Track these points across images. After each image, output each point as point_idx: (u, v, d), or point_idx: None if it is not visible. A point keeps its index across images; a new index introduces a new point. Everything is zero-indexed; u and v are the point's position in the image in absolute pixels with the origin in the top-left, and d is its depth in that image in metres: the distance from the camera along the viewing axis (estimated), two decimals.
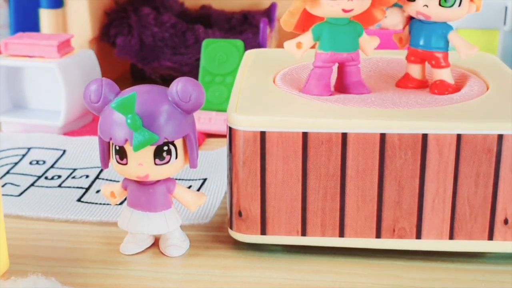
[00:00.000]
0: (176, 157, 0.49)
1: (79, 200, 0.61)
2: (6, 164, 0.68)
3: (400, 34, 0.57)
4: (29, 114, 0.77)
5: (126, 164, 0.49)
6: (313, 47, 0.54)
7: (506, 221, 0.49)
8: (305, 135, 0.49)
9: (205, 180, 0.64)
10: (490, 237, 0.50)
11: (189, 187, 0.63)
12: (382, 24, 0.82)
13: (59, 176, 0.65)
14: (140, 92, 0.48)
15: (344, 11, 0.51)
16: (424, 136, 0.48)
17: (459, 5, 0.53)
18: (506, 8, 0.80)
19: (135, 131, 0.47)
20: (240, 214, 0.51)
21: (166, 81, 0.85)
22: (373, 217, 0.50)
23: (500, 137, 0.48)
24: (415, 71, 0.56)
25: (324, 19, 0.53)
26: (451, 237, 0.50)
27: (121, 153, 0.48)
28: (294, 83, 0.55)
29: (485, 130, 0.48)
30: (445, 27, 0.54)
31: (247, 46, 0.80)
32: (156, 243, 0.53)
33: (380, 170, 0.49)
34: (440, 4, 0.53)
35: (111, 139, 0.48)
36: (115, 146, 0.49)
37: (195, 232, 0.55)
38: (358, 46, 0.54)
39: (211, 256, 0.52)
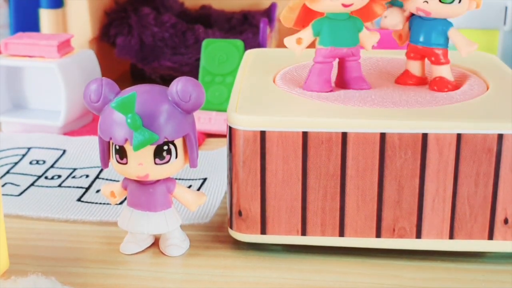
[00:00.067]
0: (176, 157, 0.49)
1: (79, 200, 0.61)
2: (6, 164, 0.68)
3: (400, 30, 0.57)
4: (29, 114, 0.77)
5: (126, 163, 0.49)
6: (313, 43, 0.54)
7: (506, 221, 0.49)
8: (305, 134, 0.49)
9: (205, 179, 0.64)
10: (490, 236, 0.50)
11: (189, 186, 0.63)
12: (382, 24, 0.82)
13: (59, 176, 0.65)
14: (140, 92, 0.48)
15: (344, 5, 0.51)
16: (424, 136, 0.48)
17: (459, 1, 0.53)
18: (506, 8, 0.80)
19: (135, 130, 0.47)
20: (240, 213, 0.51)
21: (166, 81, 0.85)
22: (373, 216, 0.50)
23: (500, 136, 0.48)
24: (414, 67, 0.56)
25: (324, 14, 0.53)
26: (451, 236, 0.50)
27: (121, 153, 0.48)
28: (294, 83, 0.55)
29: (485, 130, 0.48)
30: (445, 24, 0.54)
31: (247, 46, 0.80)
32: (156, 242, 0.53)
33: (380, 169, 0.49)
34: (440, 1, 0.53)
35: (111, 138, 0.48)
36: (115, 145, 0.49)
37: (195, 232, 0.55)
38: (358, 41, 0.54)
39: (211, 255, 0.52)
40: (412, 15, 0.56)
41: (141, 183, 0.50)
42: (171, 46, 0.87)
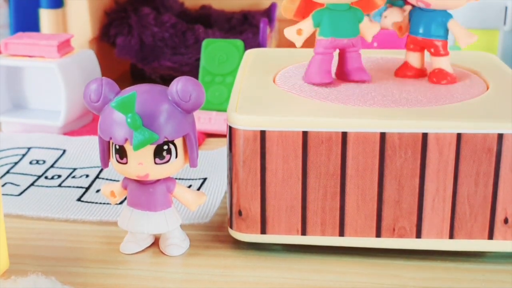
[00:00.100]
0: (176, 157, 0.49)
1: (79, 199, 0.61)
2: (6, 164, 0.68)
3: (400, 22, 0.57)
4: (29, 114, 0.77)
5: (126, 163, 0.49)
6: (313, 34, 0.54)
7: (506, 221, 0.49)
8: (305, 134, 0.49)
9: (205, 179, 0.64)
10: (490, 236, 0.50)
11: (189, 186, 0.63)
12: (382, 24, 0.83)
13: (59, 176, 0.65)
14: (140, 92, 0.48)
15: None
16: (424, 135, 0.48)
17: None
18: (506, 8, 0.80)
19: (135, 130, 0.47)
20: (240, 213, 0.51)
21: (166, 81, 0.85)
22: (373, 216, 0.50)
23: (500, 136, 0.48)
24: (414, 59, 0.56)
25: (324, 5, 0.53)
26: (451, 236, 0.50)
27: (121, 153, 0.48)
28: (295, 83, 0.55)
29: (485, 130, 0.48)
30: (445, 15, 0.54)
31: (247, 46, 0.80)
32: (156, 242, 0.53)
33: (380, 169, 0.49)
34: None
35: (111, 138, 0.48)
36: (115, 145, 0.49)
37: (195, 232, 0.55)
38: (359, 32, 0.54)
39: (211, 255, 0.52)
40: (412, 6, 0.56)
41: (141, 183, 0.50)
42: (171, 46, 0.87)
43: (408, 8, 0.82)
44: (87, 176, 0.65)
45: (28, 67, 0.76)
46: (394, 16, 0.82)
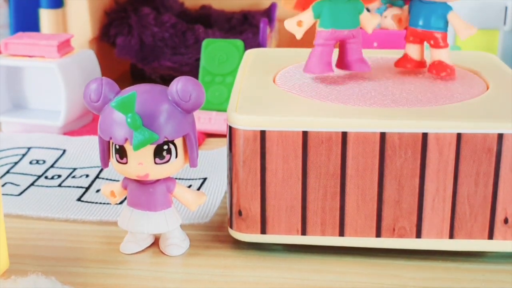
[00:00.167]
0: (176, 156, 0.49)
1: (79, 199, 0.61)
2: (6, 164, 0.68)
3: (399, 14, 0.57)
4: (29, 114, 0.77)
5: (126, 163, 0.49)
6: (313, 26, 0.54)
7: (506, 221, 0.49)
8: (305, 134, 0.49)
9: (205, 179, 0.64)
10: (490, 236, 0.50)
11: (189, 186, 0.63)
12: (382, 24, 0.82)
13: (59, 176, 0.65)
14: (140, 92, 0.48)
15: None
16: (424, 135, 0.48)
17: None
18: (506, 8, 0.80)
19: (135, 130, 0.47)
20: (240, 213, 0.51)
21: (166, 81, 0.85)
22: (373, 216, 0.50)
23: (500, 136, 0.48)
24: (413, 51, 0.56)
25: None
26: (451, 236, 0.50)
27: (121, 152, 0.48)
28: (295, 83, 0.55)
29: (485, 130, 0.48)
30: (445, 7, 0.54)
31: (247, 46, 0.80)
32: (156, 242, 0.53)
33: (380, 169, 0.49)
34: None
35: (111, 138, 0.48)
36: (115, 145, 0.49)
37: (195, 232, 0.55)
38: (359, 23, 0.54)
39: (211, 255, 0.52)
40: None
41: (141, 183, 0.50)
42: (171, 46, 0.87)
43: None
44: (87, 176, 0.65)
45: (28, 67, 0.76)
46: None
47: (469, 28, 0.54)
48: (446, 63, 0.54)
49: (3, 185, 0.63)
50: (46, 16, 0.85)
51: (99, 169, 0.66)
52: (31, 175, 0.65)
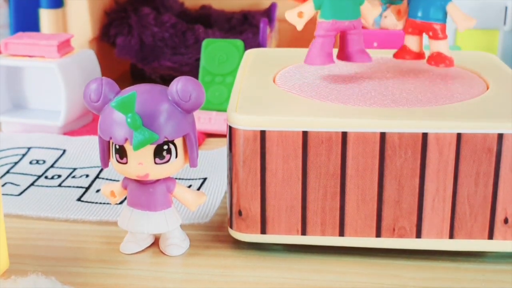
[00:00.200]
0: (176, 156, 0.49)
1: (79, 199, 0.61)
2: (6, 164, 0.68)
3: (398, 6, 0.57)
4: (29, 114, 0.77)
5: (126, 163, 0.49)
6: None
7: (506, 220, 0.49)
8: (305, 134, 0.49)
9: (205, 179, 0.64)
10: (490, 236, 0.50)
11: (189, 186, 0.63)
12: (382, 24, 0.83)
13: (59, 176, 0.65)
14: (140, 91, 0.48)
15: None
16: (424, 135, 0.48)
17: None
18: (506, 8, 0.80)
19: (135, 130, 0.47)
20: (240, 213, 0.51)
21: (166, 81, 0.85)
22: (373, 216, 0.50)
23: (500, 136, 0.48)
24: (412, 42, 0.56)
25: None
26: (451, 236, 0.50)
27: (121, 152, 0.48)
28: (295, 83, 0.55)
29: (485, 129, 0.48)
30: None
31: (247, 46, 0.80)
32: (156, 242, 0.53)
33: (380, 169, 0.49)
34: None
35: (111, 138, 0.48)
36: (115, 145, 0.49)
37: (195, 232, 0.55)
38: (360, 14, 0.54)
39: (211, 255, 0.52)
40: None
41: (141, 183, 0.50)
42: (171, 46, 0.87)
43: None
44: (87, 176, 0.65)
45: (28, 67, 0.76)
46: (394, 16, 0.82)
47: (468, 20, 0.54)
48: (445, 54, 0.54)
49: (3, 185, 0.63)
50: (46, 16, 0.85)
51: (99, 169, 0.66)
52: (31, 175, 0.65)
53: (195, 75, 0.79)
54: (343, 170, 0.49)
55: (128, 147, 0.48)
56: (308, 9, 0.53)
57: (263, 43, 0.83)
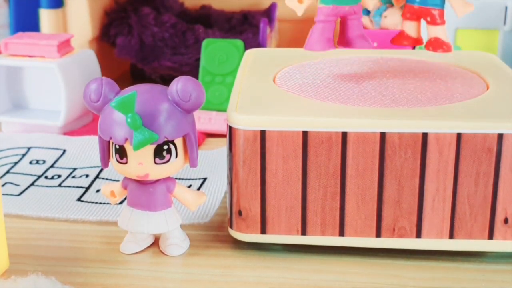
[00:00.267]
0: (176, 156, 0.49)
1: (79, 199, 0.61)
2: (6, 164, 0.68)
3: None
4: (29, 114, 0.77)
5: (126, 163, 0.49)
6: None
7: (506, 220, 0.49)
8: (305, 134, 0.49)
9: (205, 179, 0.64)
10: (490, 236, 0.50)
11: (189, 186, 0.63)
12: (382, 24, 0.83)
13: (59, 176, 0.65)
14: (140, 91, 0.48)
15: None
16: (424, 135, 0.48)
17: None
18: (506, 8, 0.80)
19: (135, 130, 0.47)
20: (240, 213, 0.51)
21: (166, 81, 0.85)
22: (373, 216, 0.50)
23: (500, 136, 0.48)
24: (410, 28, 0.56)
25: None
26: (451, 236, 0.50)
27: (121, 152, 0.49)
28: (295, 83, 0.55)
29: (485, 129, 0.48)
30: None
31: (247, 46, 0.80)
32: (156, 242, 0.53)
33: (380, 169, 0.49)
34: None
35: (111, 138, 0.48)
36: (115, 145, 0.49)
37: (195, 232, 0.55)
38: None
39: (211, 255, 0.52)
40: None
41: (141, 183, 0.50)
42: (171, 46, 0.87)
43: None
44: (87, 176, 0.65)
45: (28, 67, 0.76)
46: (394, 16, 0.82)
47: (466, 6, 0.54)
48: (442, 39, 0.54)
49: (3, 185, 0.63)
50: (46, 16, 0.85)
51: (99, 169, 0.66)
52: (31, 175, 0.65)
53: (195, 75, 0.79)
54: (343, 170, 0.49)
55: (128, 147, 0.48)
56: None
57: (263, 43, 0.83)
